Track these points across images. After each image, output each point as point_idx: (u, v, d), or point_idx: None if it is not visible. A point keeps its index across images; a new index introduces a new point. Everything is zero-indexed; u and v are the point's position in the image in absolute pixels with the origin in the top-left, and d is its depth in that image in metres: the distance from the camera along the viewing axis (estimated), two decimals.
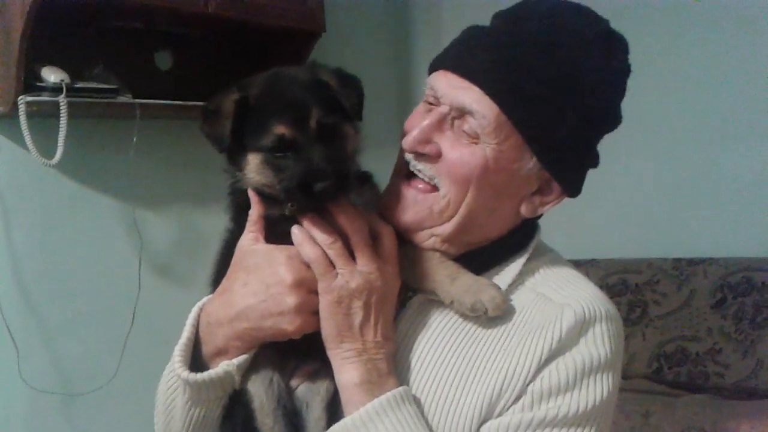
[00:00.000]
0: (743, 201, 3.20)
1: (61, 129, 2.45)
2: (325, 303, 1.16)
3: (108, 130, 2.81)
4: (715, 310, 3.04)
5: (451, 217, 1.23)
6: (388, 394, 1.14)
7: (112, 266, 2.85)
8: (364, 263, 1.17)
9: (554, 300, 1.23)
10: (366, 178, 1.32)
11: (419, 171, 1.24)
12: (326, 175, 1.13)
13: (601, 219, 3.50)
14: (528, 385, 1.16)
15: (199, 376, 1.20)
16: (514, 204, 1.27)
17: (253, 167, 1.20)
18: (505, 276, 1.27)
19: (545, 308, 1.22)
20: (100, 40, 2.77)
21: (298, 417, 1.24)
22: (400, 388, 1.16)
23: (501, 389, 1.16)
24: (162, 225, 3.00)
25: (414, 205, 1.24)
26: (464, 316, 1.23)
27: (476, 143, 1.19)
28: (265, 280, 1.18)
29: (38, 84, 2.44)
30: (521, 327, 1.21)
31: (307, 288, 1.17)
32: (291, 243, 1.19)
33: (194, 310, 1.29)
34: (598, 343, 1.19)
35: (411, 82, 4.02)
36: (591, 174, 1.33)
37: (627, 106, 1.29)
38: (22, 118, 2.40)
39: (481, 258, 1.28)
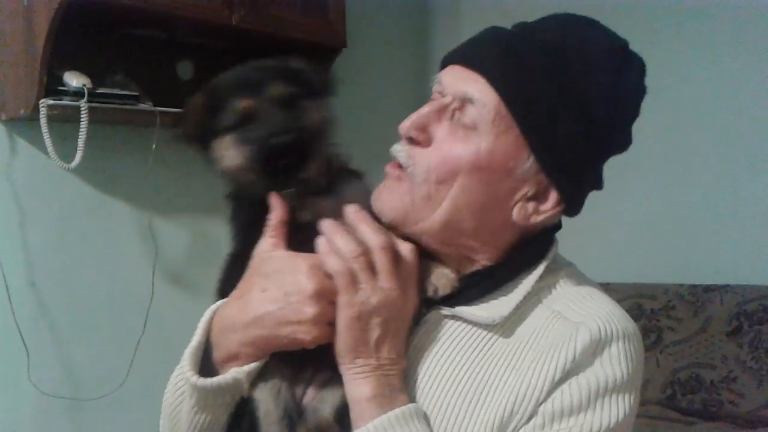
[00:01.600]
0: (762, 228, 3.17)
1: (81, 133, 2.47)
2: (344, 317, 1.12)
3: (127, 137, 2.83)
4: (731, 338, 3.01)
5: (434, 209, 1.18)
6: (398, 410, 1.12)
7: (126, 272, 2.87)
8: (386, 279, 1.14)
9: (570, 318, 1.18)
10: (356, 176, 1.30)
11: (397, 152, 1.20)
12: (282, 132, 1.16)
13: (616, 243, 3.48)
14: (539, 405, 1.13)
15: (208, 381, 1.17)
16: (505, 207, 1.20)
17: (224, 149, 1.21)
18: (517, 293, 1.21)
19: (560, 327, 1.17)
20: (122, 48, 2.78)
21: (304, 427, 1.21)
22: (411, 405, 1.14)
23: (513, 410, 1.13)
24: (177, 233, 3.01)
25: (390, 192, 1.20)
26: (478, 331, 1.20)
27: (471, 135, 1.15)
28: (284, 288, 1.14)
29: (60, 88, 2.46)
30: (535, 346, 1.17)
31: (328, 299, 1.14)
32: (310, 251, 1.16)
33: (207, 313, 1.26)
34: (614, 363, 1.14)
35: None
36: (607, 196, 1.28)
37: (644, 127, 1.24)
38: (43, 121, 2.42)
39: (492, 276, 1.23)
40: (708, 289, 3.14)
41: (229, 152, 1.21)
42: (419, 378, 1.20)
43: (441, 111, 1.19)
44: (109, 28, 2.71)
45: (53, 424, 2.70)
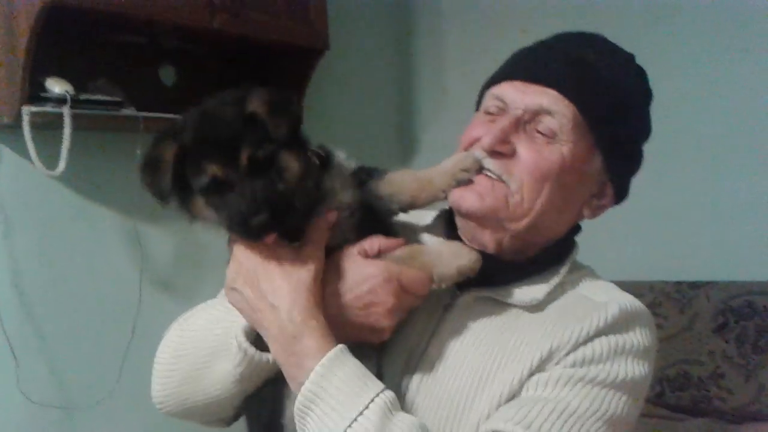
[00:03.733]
0: (745, 224, 3.19)
1: (64, 140, 2.45)
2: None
3: (111, 142, 2.81)
4: (717, 334, 3.03)
5: (525, 215, 1.29)
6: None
7: (113, 278, 2.85)
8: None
9: (598, 300, 1.30)
10: (328, 157, 1.29)
11: (488, 170, 1.29)
12: (259, 210, 1.11)
13: (601, 240, 3.47)
14: (569, 354, 1.21)
15: (265, 356, 1.20)
16: (578, 206, 1.36)
17: (200, 209, 1.19)
18: (550, 282, 1.33)
19: (589, 305, 1.28)
20: (104, 54, 2.77)
21: None
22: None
23: (541, 361, 1.20)
24: (163, 238, 2.99)
25: (492, 191, 1.29)
26: (510, 310, 1.29)
27: (551, 143, 1.27)
28: None
29: (42, 95, 2.44)
30: (563, 317, 1.27)
31: None
32: None
33: None
34: (638, 334, 1.25)
35: (413, 99, 4.04)
36: None
37: None
38: (26, 128, 2.40)
39: (533, 265, 1.35)
40: (693, 285, 3.16)
41: (207, 212, 1.18)
42: (447, 360, 1.26)
43: (515, 124, 1.29)
44: (90, 34, 2.69)
45: None
